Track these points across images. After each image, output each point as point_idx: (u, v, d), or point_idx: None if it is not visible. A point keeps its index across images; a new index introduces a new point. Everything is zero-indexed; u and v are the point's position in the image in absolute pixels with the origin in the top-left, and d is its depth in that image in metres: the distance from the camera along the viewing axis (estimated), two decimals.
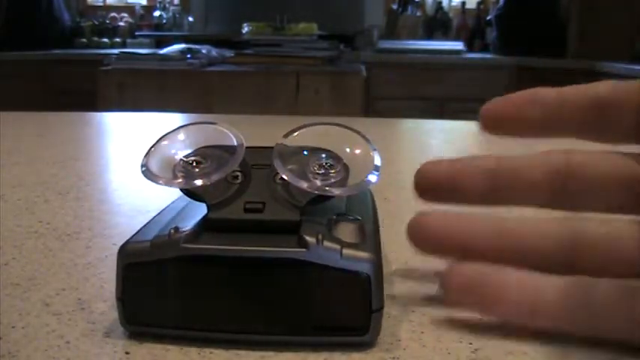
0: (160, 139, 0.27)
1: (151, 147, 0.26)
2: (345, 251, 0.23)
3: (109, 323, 0.25)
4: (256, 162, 0.26)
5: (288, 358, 0.23)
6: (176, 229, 0.23)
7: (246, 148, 0.26)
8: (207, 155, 0.26)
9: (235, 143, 0.26)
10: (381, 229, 0.28)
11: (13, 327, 0.25)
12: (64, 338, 0.24)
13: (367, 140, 0.26)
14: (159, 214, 0.27)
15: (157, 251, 0.23)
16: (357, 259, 0.23)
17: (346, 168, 0.25)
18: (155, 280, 0.23)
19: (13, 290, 0.28)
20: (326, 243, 0.23)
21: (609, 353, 0.23)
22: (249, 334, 0.23)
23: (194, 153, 0.26)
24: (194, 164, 0.25)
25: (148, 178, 0.25)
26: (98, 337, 0.24)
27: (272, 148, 0.26)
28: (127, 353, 0.23)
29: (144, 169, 0.25)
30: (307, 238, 0.23)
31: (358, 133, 0.27)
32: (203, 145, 0.26)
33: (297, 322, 0.23)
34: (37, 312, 0.26)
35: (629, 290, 0.23)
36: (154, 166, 0.25)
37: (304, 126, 0.27)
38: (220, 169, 0.25)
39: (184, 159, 0.26)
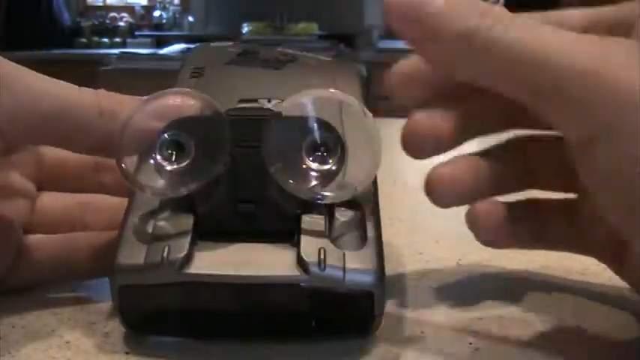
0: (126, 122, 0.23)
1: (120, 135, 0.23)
2: (349, 275, 0.22)
3: (109, 323, 0.25)
4: (240, 138, 0.23)
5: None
6: (168, 248, 0.22)
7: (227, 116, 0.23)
8: (186, 139, 0.23)
9: (211, 112, 0.23)
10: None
11: (13, 327, 0.25)
12: (64, 338, 0.24)
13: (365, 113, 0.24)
14: (133, 204, 0.24)
15: (153, 276, 0.22)
16: (361, 279, 0.22)
17: (343, 152, 0.23)
18: (152, 299, 0.23)
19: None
20: (328, 264, 0.21)
21: (610, 354, 0.23)
22: (249, 344, 0.23)
23: (170, 136, 0.23)
24: (174, 158, 0.23)
25: (132, 183, 0.23)
26: (98, 337, 0.24)
27: (256, 117, 0.24)
28: (126, 353, 0.23)
29: (124, 165, 0.23)
30: (307, 260, 0.21)
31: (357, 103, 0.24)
32: (175, 119, 0.23)
33: (297, 331, 0.23)
34: (37, 312, 0.26)
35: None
36: (131, 163, 0.23)
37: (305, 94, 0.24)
38: (207, 170, 0.23)
39: (163, 154, 0.23)
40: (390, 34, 2.91)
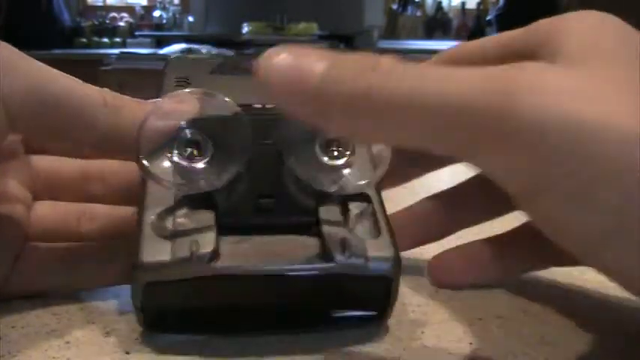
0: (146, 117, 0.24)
1: (139, 129, 0.24)
2: (371, 263, 0.23)
3: (109, 323, 0.25)
4: (257, 136, 0.24)
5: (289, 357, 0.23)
6: (196, 243, 0.22)
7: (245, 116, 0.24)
8: (204, 137, 0.24)
9: (230, 112, 0.24)
10: None
11: (13, 327, 0.25)
12: (64, 338, 0.24)
13: None
14: (146, 202, 0.24)
15: (182, 271, 0.22)
16: (382, 266, 0.23)
17: (356, 145, 0.24)
18: (179, 294, 0.23)
19: None
20: (352, 253, 0.22)
21: (612, 353, 0.23)
22: (269, 331, 0.24)
23: (190, 133, 0.24)
24: (194, 156, 0.24)
25: (152, 179, 0.23)
26: (98, 337, 0.24)
27: (271, 116, 0.24)
28: (127, 353, 0.23)
29: (144, 161, 0.23)
30: (332, 249, 0.22)
31: None
32: (192, 118, 0.24)
33: (318, 317, 0.24)
34: (37, 312, 0.26)
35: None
36: (147, 155, 0.23)
37: None
38: (228, 167, 0.23)
39: (182, 152, 0.24)
40: (390, 34, 2.92)
